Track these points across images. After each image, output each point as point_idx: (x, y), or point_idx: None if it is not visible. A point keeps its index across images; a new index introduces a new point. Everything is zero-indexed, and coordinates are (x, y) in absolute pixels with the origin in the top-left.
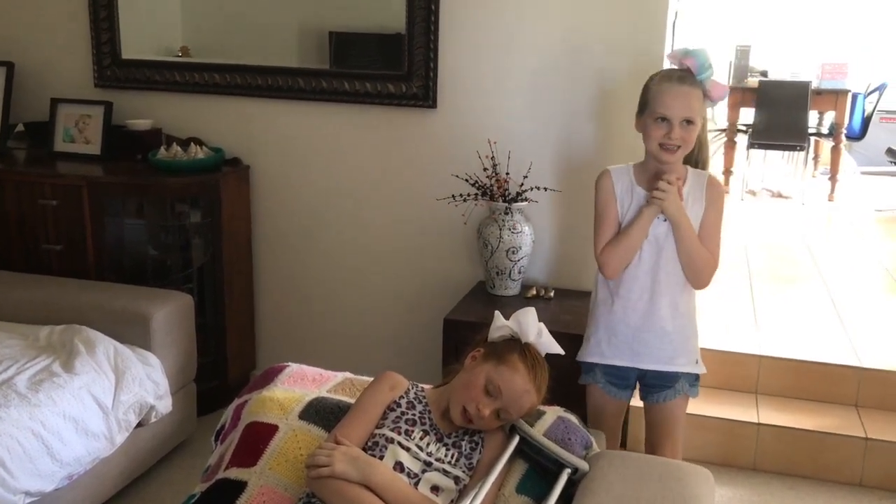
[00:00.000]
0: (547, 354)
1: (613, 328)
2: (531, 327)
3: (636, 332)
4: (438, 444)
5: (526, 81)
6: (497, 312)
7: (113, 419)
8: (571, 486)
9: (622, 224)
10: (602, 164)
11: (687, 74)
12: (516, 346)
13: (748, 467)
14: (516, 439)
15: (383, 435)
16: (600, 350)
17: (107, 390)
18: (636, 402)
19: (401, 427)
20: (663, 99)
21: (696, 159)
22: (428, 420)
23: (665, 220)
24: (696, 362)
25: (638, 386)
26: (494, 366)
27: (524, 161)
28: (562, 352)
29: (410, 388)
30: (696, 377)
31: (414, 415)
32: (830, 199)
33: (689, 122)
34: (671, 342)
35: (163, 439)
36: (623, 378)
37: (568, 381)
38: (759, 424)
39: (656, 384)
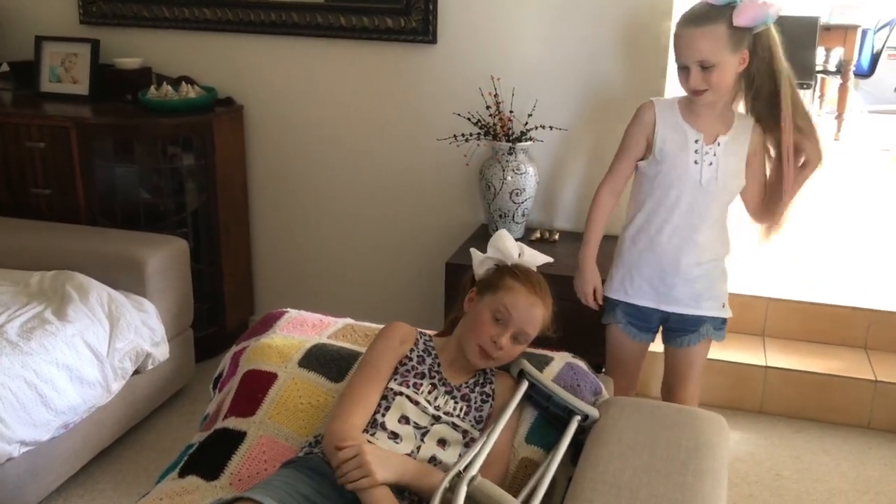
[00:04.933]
0: (559, 298)
1: (639, 267)
2: (511, 248)
3: (662, 273)
4: (447, 398)
5: (531, 15)
6: (472, 249)
7: (108, 367)
8: (581, 433)
9: (660, 159)
10: (614, 102)
11: (705, 12)
12: (505, 270)
13: (755, 410)
14: (525, 384)
15: (390, 388)
16: (623, 288)
17: (101, 338)
18: (655, 347)
19: (409, 381)
20: (678, 46)
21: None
22: (437, 373)
23: (711, 164)
24: (723, 306)
25: (661, 329)
26: (492, 294)
27: (529, 99)
28: (550, 259)
29: (419, 338)
30: (723, 321)
31: (423, 369)
32: (836, 139)
33: (706, 64)
34: (696, 285)
35: (161, 386)
36: (645, 320)
37: (581, 324)
38: (766, 367)
39: (679, 328)
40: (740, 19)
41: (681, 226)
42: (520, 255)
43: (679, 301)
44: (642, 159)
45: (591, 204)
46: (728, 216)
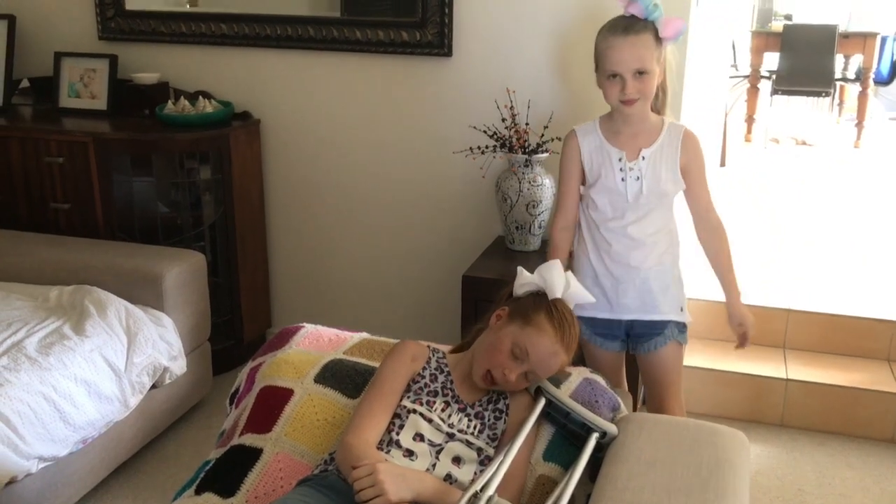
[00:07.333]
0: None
1: (594, 279)
2: (557, 282)
3: (616, 283)
4: (461, 415)
5: (545, 26)
6: (520, 268)
7: (126, 382)
8: (599, 450)
9: (591, 182)
10: None
11: (633, 22)
12: (542, 303)
13: (776, 424)
14: (542, 402)
15: (404, 406)
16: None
17: (119, 352)
18: None
19: (422, 398)
20: (610, 55)
21: (657, 105)
22: (450, 391)
23: (637, 179)
24: (681, 310)
25: (628, 339)
26: (520, 327)
27: (545, 110)
28: (592, 300)
29: (431, 356)
30: (684, 325)
31: (436, 387)
32: (856, 146)
33: (641, 72)
34: (650, 291)
35: (178, 400)
36: (607, 328)
37: None
38: (787, 380)
39: (645, 332)
40: (666, 31)
41: (623, 237)
42: (565, 288)
43: (636, 309)
44: (584, 184)
45: (548, 248)
46: (674, 221)
